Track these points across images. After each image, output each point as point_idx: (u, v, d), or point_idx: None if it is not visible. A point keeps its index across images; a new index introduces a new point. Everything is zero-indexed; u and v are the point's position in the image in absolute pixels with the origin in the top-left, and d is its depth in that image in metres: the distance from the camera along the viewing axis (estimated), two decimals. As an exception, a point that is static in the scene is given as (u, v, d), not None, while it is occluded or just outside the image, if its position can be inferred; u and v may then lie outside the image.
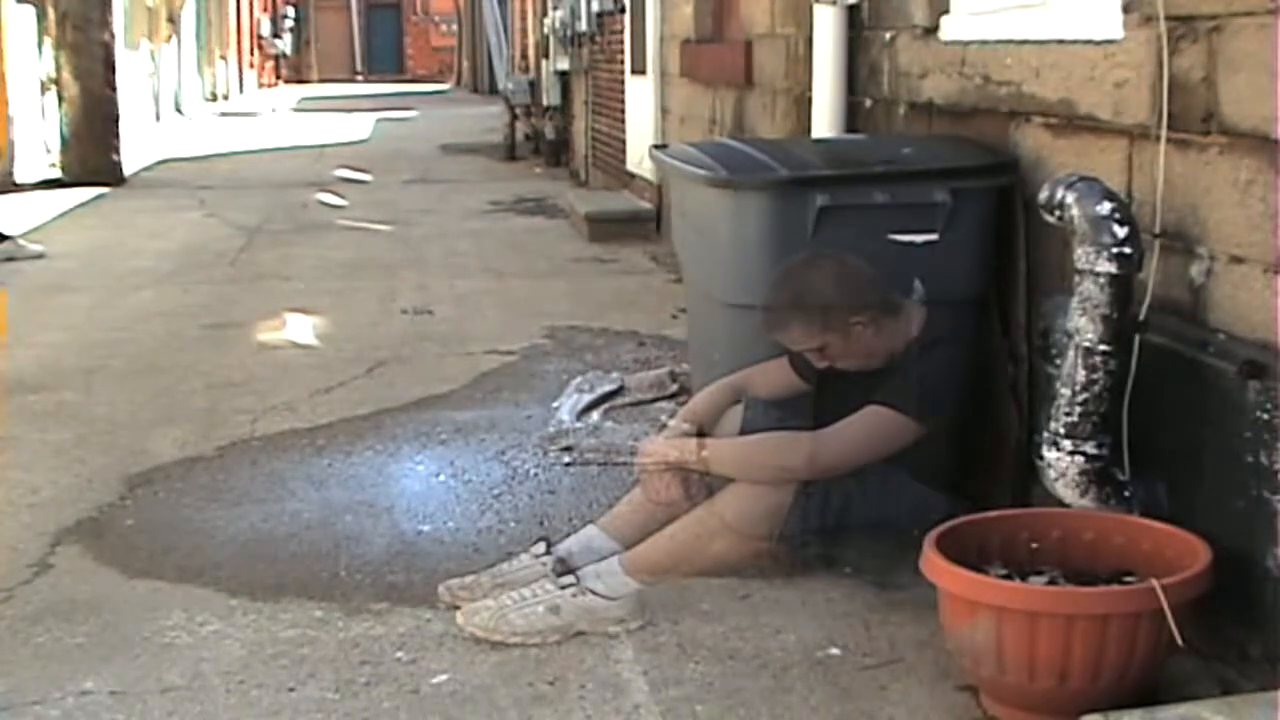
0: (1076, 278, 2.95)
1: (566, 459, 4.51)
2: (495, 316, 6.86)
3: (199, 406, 5.25)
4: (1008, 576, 2.85)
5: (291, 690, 2.99)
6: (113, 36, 13.27)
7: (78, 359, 6.00)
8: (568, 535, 3.56)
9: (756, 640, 3.18)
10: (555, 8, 13.09)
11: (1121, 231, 2.89)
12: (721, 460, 3.30)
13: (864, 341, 3.32)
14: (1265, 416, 2.67)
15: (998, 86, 3.89)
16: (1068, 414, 2.96)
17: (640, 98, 9.68)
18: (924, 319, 3.39)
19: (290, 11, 42.40)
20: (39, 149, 13.07)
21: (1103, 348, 2.92)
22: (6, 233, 8.96)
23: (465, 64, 34.12)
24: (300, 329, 6.62)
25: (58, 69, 12.90)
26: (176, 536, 3.90)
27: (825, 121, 5.03)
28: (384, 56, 46.82)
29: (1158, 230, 3.04)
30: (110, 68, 13.01)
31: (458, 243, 9.39)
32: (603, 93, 11.68)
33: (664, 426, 3.97)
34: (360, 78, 44.57)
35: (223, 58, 29.48)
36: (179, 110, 23.10)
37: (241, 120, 23.58)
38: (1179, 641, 2.62)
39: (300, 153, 16.74)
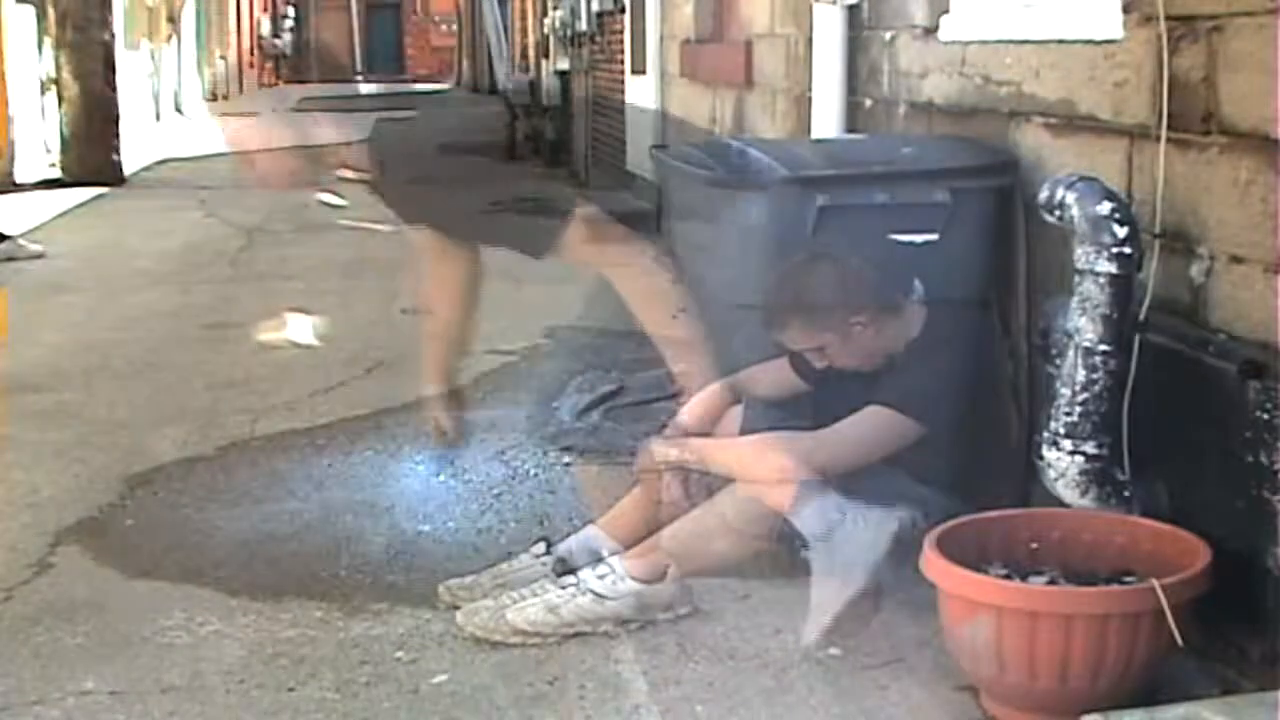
0: (1076, 278, 2.95)
1: (566, 459, 4.50)
2: (495, 316, 6.84)
3: (199, 406, 5.24)
4: (1008, 576, 2.85)
5: (291, 690, 2.99)
6: (113, 36, 13.26)
7: (78, 359, 6.00)
8: (568, 535, 3.56)
9: (756, 640, 3.18)
10: (555, 8, 13.08)
11: (1121, 231, 2.89)
12: (721, 460, 3.30)
13: (864, 341, 3.32)
14: (1265, 416, 2.67)
15: (998, 86, 3.89)
16: (1068, 414, 2.96)
17: (640, 97, 9.67)
18: (924, 319, 3.38)
19: (290, 11, 42.36)
20: (39, 149, 13.07)
21: (1103, 348, 2.91)
22: (6, 233, 8.95)
23: (465, 64, 34.00)
24: (300, 329, 6.61)
25: (58, 69, 12.89)
26: (176, 536, 3.90)
27: (825, 121, 5.03)
28: (384, 56, 46.75)
29: (1158, 230, 3.04)
30: (110, 68, 13.00)
31: (458, 243, 9.37)
32: (603, 93, 11.68)
33: (664, 426, 3.97)
34: (360, 78, 44.49)
35: (223, 58, 29.46)
36: (179, 110, 23.09)
37: (241, 120, 23.54)
38: (1179, 641, 2.62)
39: (300, 152, 16.69)
